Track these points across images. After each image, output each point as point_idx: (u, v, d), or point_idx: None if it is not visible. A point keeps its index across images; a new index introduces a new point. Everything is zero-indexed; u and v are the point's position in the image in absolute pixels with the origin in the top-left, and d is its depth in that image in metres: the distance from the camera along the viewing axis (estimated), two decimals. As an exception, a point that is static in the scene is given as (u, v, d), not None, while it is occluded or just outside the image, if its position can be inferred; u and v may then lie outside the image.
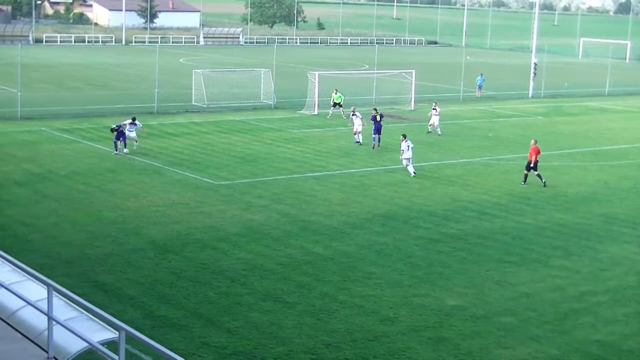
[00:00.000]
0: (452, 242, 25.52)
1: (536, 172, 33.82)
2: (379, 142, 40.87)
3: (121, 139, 36.98)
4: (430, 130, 46.37)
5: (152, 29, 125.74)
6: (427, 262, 23.50)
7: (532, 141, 34.58)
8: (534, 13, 73.13)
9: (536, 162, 33.72)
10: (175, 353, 9.28)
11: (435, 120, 46.03)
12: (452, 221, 27.99)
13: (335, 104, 50.61)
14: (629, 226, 28.51)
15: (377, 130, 40.76)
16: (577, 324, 19.51)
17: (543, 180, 33.67)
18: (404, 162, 34.72)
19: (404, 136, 34.85)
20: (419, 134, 45.89)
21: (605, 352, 18.01)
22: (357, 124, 41.84)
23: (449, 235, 26.34)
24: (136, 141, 37.90)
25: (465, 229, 27.06)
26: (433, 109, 46.30)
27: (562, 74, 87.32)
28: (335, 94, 50.65)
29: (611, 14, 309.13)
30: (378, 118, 40.84)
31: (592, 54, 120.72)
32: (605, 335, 18.92)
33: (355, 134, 42.11)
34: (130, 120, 38.12)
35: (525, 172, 34.07)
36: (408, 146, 34.33)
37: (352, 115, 42.62)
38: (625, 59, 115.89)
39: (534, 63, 69.51)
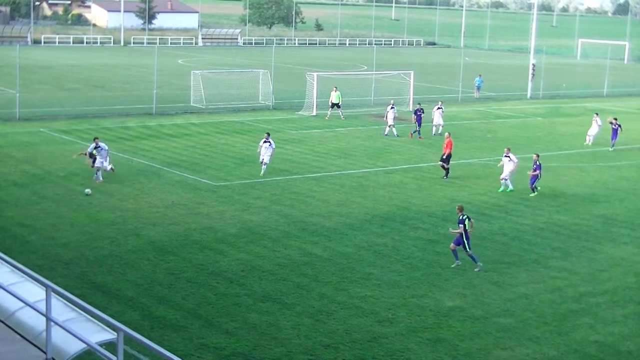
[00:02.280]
0: (451, 243, 25.47)
1: (447, 165, 34.77)
2: (419, 134, 44.76)
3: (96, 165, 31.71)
4: (439, 131, 45.84)
5: (150, 30, 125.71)
6: (425, 263, 23.51)
7: (447, 134, 35.95)
8: (533, 14, 73.16)
9: (449, 155, 34.72)
10: (174, 354, 9.27)
11: (439, 119, 46.04)
12: (450, 222, 27.93)
13: (333, 105, 50.64)
14: (627, 227, 28.53)
15: (418, 122, 44.75)
16: (575, 324, 19.53)
17: (446, 177, 34.60)
18: (266, 158, 34.10)
19: (268, 134, 34.69)
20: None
21: (604, 353, 18.02)
22: (391, 118, 45.10)
23: (447, 236, 26.30)
24: (108, 169, 32.32)
25: (464, 230, 27.02)
26: (438, 108, 46.21)
27: (561, 74, 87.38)
28: (335, 91, 50.69)
29: (609, 14, 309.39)
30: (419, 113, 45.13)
31: (590, 54, 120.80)
32: (604, 336, 18.93)
33: (388, 126, 45.27)
34: (93, 145, 31.90)
35: (442, 164, 34.98)
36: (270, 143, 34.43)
37: (391, 108, 45.18)
38: (624, 59, 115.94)
39: (533, 64, 69.52)
